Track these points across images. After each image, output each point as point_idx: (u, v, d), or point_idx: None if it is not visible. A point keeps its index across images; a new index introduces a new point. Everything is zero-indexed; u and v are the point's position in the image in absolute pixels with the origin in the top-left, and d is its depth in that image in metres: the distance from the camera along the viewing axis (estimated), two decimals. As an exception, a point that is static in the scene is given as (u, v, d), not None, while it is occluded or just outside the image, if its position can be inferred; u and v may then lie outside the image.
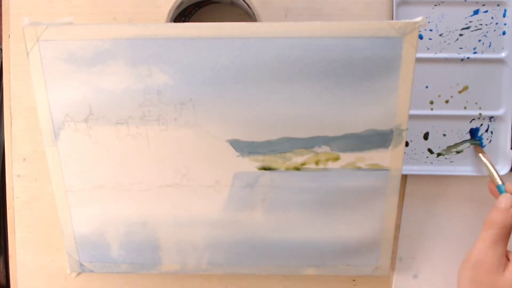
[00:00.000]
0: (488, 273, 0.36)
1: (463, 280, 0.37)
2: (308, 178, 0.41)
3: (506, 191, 0.39)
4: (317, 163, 0.40)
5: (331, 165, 0.40)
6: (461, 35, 0.45)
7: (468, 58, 0.45)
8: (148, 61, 0.38)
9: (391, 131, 0.39)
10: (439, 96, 0.45)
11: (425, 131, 0.46)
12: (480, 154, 0.44)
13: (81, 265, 0.45)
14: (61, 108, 0.39)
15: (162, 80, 0.38)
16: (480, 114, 0.45)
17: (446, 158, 0.46)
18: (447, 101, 0.46)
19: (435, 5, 0.44)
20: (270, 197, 0.42)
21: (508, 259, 0.37)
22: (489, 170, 0.42)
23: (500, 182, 0.41)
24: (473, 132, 0.45)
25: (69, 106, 0.39)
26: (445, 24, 0.45)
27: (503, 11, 0.44)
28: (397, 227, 0.47)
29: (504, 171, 0.46)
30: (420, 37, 0.45)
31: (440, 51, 0.45)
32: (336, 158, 0.40)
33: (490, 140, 0.46)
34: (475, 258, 0.37)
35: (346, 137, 0.39)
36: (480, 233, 0.37)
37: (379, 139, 0.39)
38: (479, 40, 0.45)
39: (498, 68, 0.45)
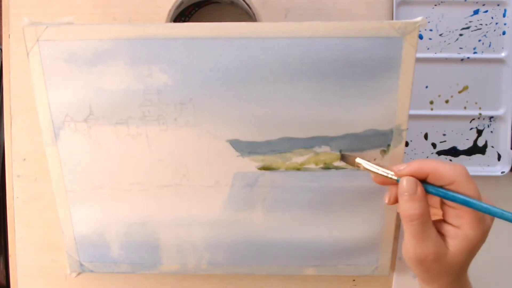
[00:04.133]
0: (436, 262, 0.33)
1: (420, 275, 0.35)
2: (308, 178, 0.41)
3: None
4: (317, 163, 0.40)
5: (331, 165, 0.40)
6: (461, 35, 0.45)
7: (468, 58, 0.45)
8: (148, 61, 0.38)
9: (391, 131, 0.39)
10: (439, 96, 0.45)
11: (425, 131, 0.46)
12: (358, 159, 0.37)
13: (81, 265, 0.45)
14: (61, 108, 0.39)
15: (162, 80, 0.38)
16: (480, 114, 0.45)
17: (445, 158, 0.46)
18: (447, 101, 0.46)
19: (435, 5, 0.44)
20: (270, 197, 0.42)
21: (442, 234, 0.34)
22: (377, 172, 0.35)
23: (396, 177, 0.34)
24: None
25: (69, 106, 0.39)
26: (445, 24, 0.45)
27: (503, 11, 0.44)
28: (397, 227, 0.47)
29: (504, 171, 0.46)
30: (420, 37, 0.45)
31: (440, 51, 0.45)
32: (336, 158, 0.40)
33: (490, 140, 0.46)
34: (415, 255, 0.33)
35: (346, 137, 0.39)
36: (405, 227, 0.34)
37: (379, 139, 0.39)
38: (479, 40, 0.45)
39: (498, 68, 0.45)
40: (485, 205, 0.31)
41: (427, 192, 0.33)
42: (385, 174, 0.35)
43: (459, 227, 0.33)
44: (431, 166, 0.33)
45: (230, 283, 0.48)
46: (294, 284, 0.48)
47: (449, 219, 0.34)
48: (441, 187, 0.33)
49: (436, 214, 0.35)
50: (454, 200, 0.32)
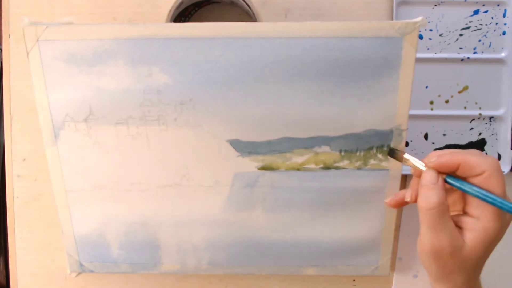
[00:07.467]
0: (451, 256, 0.33)
1: (434, 272, 0.35)
2: (308, 178, 0.41)
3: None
4: (317, 163, 0.40)
5: (331, 165, 0.40)
6: (461, 35, 0.45)
7: (468, 58, 0.45)
8: (148, 61, 0.38)
9: (391, 131, 0.39)
10: (439, 96, 0.45)
11: (425, 131, 0.46)
12: (407, 155, 0.37)
13: (81, 265, 0.45)
14: (61, 108, 0.39)
15: (162, 80, 0.38)
16: (480, 114, 0.45)
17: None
18: (447, 101, 0.46)
19: (435, 5, 0.44)
20: (270, 197, 0.42)
21: (460, 227, 0.34)
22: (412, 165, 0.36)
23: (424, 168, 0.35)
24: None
25: (69, 106, 0.39)
26: (445, 24, 0.45)
27: (503, 11, 0.44)
28: (397, 227, 0.47)
29: (504, 171, 0.46)
30: (420, 37, 0.45)
31: (440, 51, 0.45)
32: (336, 158, 0.40)
33: (490, 140, 0.46)
34: (431, 248, 0.33)
35: (346, 137, 0.39)
36: (420, 218, 0.34)
37: (379, 139, 0.39)
38: (479, 40, 0.45)
39: (498, 68, 0.45)
40: (506, 204, 0.31)
41: (451, 185, 0.33)
42: (421, 168, 0.35)
43: (479, 218, 0.33)
44: (461, 157, 0.33)
45: (230, 283, 0.48)
46: (294, 284, 0.48)
47: (469, 209, 0.33)
48: (466, 178, 0.33)
49: (455, 210, 0.36)
50: (476, 195, 0.32)
